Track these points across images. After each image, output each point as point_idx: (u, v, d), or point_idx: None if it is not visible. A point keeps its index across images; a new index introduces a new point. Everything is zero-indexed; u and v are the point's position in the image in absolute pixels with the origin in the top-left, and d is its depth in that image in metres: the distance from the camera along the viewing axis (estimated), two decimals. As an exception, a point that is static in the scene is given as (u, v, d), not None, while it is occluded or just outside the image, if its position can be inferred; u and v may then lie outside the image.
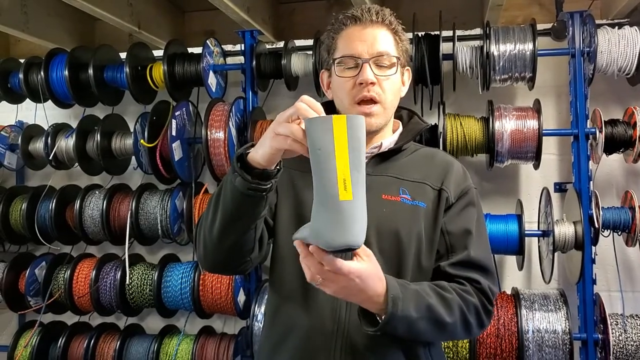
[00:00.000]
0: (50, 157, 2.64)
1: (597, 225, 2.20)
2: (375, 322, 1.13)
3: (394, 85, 1.31)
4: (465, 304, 1.22)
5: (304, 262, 1.05)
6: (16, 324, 2.94)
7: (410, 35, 2.32)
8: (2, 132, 2.78)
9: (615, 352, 2.16)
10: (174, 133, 2.43)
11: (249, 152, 1.11)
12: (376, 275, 1.09)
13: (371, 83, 1.26)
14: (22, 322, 2.90)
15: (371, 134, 1.33)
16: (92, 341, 2.59)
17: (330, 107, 1.43)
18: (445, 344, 2.17)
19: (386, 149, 1.35)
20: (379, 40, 1.29)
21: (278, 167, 1.12)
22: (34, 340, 2.64)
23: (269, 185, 1.11)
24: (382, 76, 1.28)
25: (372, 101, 1.28)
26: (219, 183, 2.71)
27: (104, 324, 2.74)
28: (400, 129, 1.41)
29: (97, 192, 2.64)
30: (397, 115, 1.42)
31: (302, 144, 1.02)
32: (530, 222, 2.43)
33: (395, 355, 1.25)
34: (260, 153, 1.08)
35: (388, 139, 1.36)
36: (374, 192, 1.24)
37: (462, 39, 2.44)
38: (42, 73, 2.59)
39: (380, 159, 1.34)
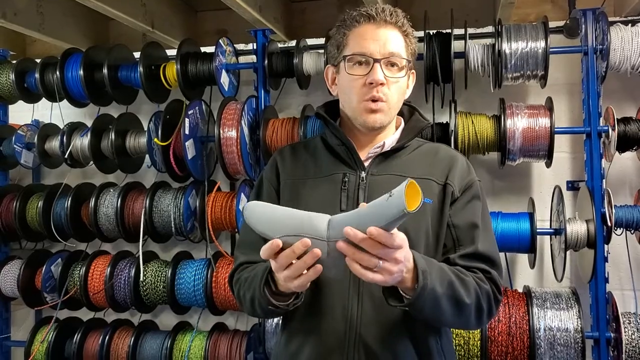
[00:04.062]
0: (66, 156, 2.68)
1: (609, 224, 2.19)
2: (399, 299, 1.15)
3: (400, 87, 1.32)
4: (479, 288, 1.23)
5: (357, 255, 1.05)
6: (33, 319, 2.99)
7: (421, 33, 2.32)
8: (18, 131, 2.82)
9: (627, 350, 2.15)
10: (187, 131, 2.46)
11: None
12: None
13: (380, 84, 1.27)
14: (39, 318, 2.95)
15: (375, 131, 1.35)
16: (107, 337, 2.63)
17: (332, 108, 1.45)
18: (457, 341, 2.17)
19: (389, 148, 1.36)
20: (391, 41, 1.29)
21: None
22: (50, 336, 2.68)
23: (301, 299, 1.22)
24: (391, 78, 1.29)
25: (379, 99, 1.29)
26: (231, 181, 2.76)
27: (119, 320, 2.77)
28: (402, 125, 1.42)
29: (111, 190, 2.67)
30: (399, 111, 1.43)
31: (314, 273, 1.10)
32: (543, 221, 2.43)
33: (407, 350, 1.26)
34: (284, 288, 1.17)
35: (390, 138, 1.37)
36: (379, 192, 1.25)
37: (473, 37, 2.43)
38: (57, 73, 2.63)
39: (383, 157, 1.35)
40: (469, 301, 1.19)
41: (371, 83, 1.27)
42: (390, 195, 1.02)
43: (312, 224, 1.09)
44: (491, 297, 1.26)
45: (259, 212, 1.15)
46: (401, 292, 1.14)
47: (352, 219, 1.06)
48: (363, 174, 1.33)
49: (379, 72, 1.27)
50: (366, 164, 1.35)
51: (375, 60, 1.27)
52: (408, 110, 1.47)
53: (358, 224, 1.05)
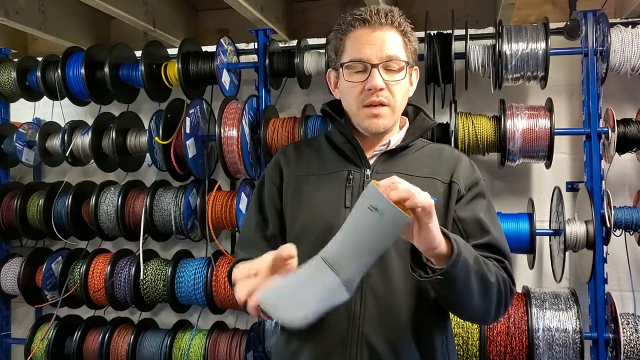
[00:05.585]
0: (67, 154, 2.68)
1: (608, 225, 2.20)
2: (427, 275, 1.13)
3: (402, 88, 1.31)
4: (498, 273, 1.22)
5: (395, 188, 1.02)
6: (33, 317, 2.99)
7: (422, 34, 2.33)
8: (20, 129, 2.82)
9: (626, 351, 2.16)
10: (187, 130, 2.46)
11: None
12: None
13: (380, 89, 1.26)
14: (39, 315, 2.95)
15: (379, 135, 1.35)
16: (107, 335, 2.64)
17: (336, 107, 1.45)
18: (456, 341, 2.17)
19: (394, 147, 1.36)
20: (388, 44, 1.27)
21: None
22: (51, 334, 2.68)
23: None
24: (391, 81, 1.28)
25: (380, 104, 1.28)
26: (232, 180, 2.76)
27: (119, 318, 2.78)
28: (407, 125, 1.42)
29: (112, 188, 2.68)
30: (403, 112, 1.43)
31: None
32: (542, 221, 2.43)
33: (411, 349, 1.26)
34: None
35: (395, 136, 1.37)
36: None
37: (474, 37, 2.44)
38: (59, 71, 2.63)
39: (387, 156, 1.35)
40: (493, 280, 1.17)
41: (370, 89, 1.26)
42: (376, 210, 1.01)
43: (323, 284, 1.08)
44: (507, 286, 1.24)
45: (272, 293, 1.10)
46: (430, 265, 1.12)
47: (348, 249, 1.06)
48: (368, 172, 1.33)
49: (377, 77, 1.25)
50: (371, 161, 1.35)
51: (373, 66, 1.26)
52: (413, 111, 1.46)
53: (359, 251, 1.06)
